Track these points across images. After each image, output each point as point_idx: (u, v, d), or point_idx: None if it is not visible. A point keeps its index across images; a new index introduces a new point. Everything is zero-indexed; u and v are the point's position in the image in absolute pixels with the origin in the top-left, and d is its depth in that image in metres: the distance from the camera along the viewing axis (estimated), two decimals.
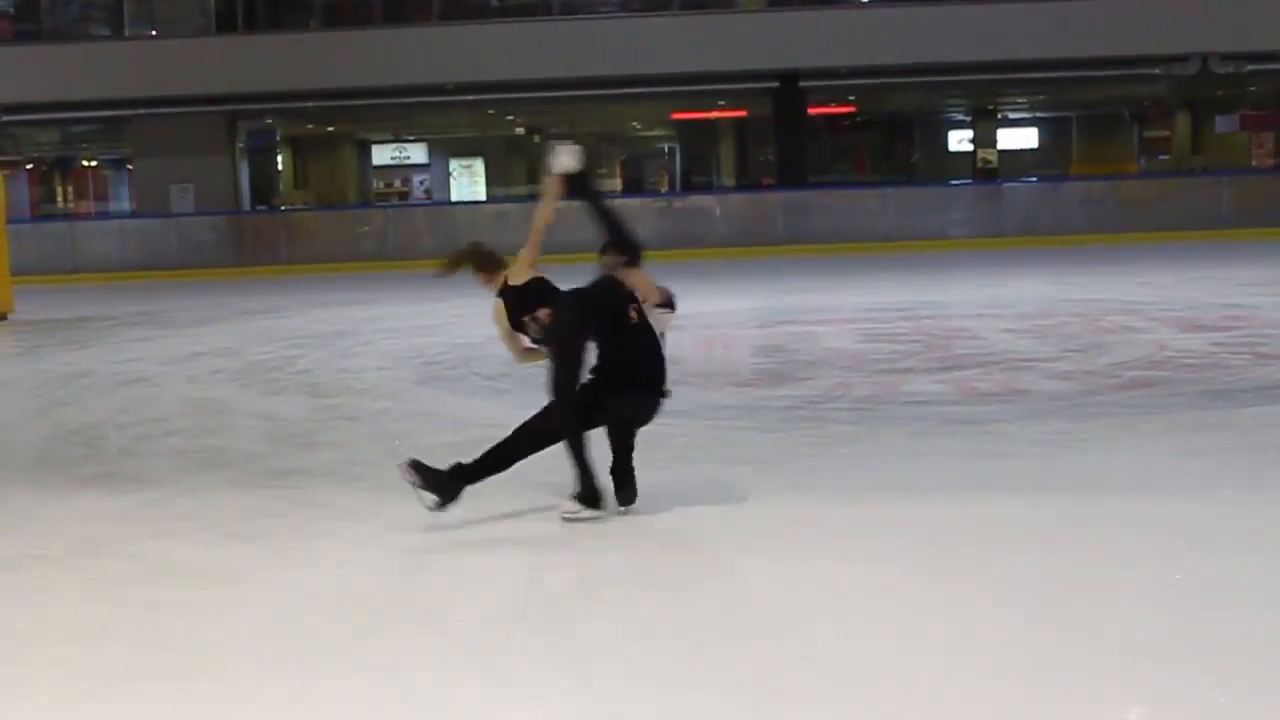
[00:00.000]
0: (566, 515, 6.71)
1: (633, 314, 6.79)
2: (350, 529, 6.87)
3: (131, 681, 4.82)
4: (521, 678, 4.77)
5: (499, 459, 6.80)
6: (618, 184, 38.72)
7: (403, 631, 5.30)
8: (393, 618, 5.48)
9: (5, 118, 30.52)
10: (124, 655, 5.09)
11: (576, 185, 6.88)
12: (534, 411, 6.85)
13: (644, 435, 8.80)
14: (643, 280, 6.81)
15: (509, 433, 6.82)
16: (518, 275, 6.98)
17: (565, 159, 6.87)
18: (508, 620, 5.50)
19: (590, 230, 6.83)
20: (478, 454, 6.75)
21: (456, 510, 6.80)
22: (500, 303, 6.97)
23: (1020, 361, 11.61)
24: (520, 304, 6.91)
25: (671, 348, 13.15)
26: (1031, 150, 38.29)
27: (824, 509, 6.98)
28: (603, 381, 6.80)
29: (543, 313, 6.81)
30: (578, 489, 6.70)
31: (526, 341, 7.04)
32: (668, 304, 6.95)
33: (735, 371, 12.01)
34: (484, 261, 7.10)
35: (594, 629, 5.30)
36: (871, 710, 4.34)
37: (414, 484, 6.64)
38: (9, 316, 19.23)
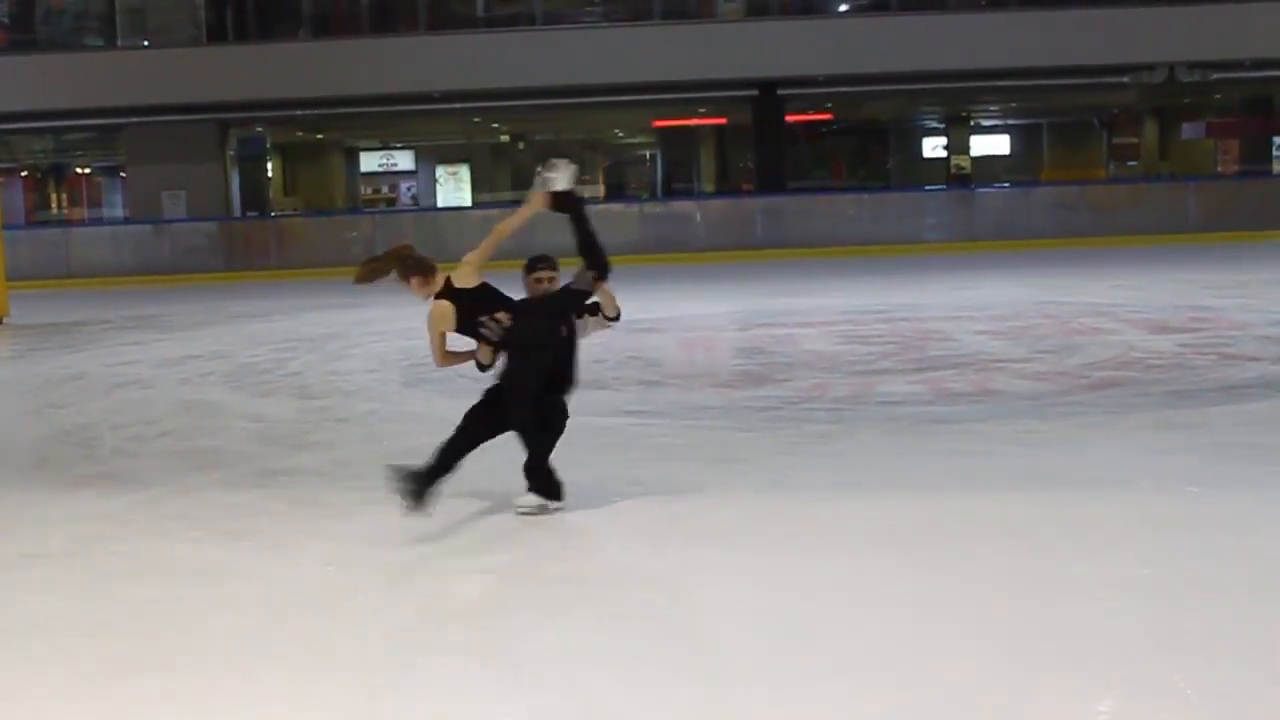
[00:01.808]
0: (521, 510, 6.83)
1: (563, 330, 6.91)
2: (339, 528, 6.86)
3: (126, 677, 4.81)
4: (508, 674, 4.77)
5: (451, 455, 6.77)
6: (600, 190, 38.72)
7: (390, 628, 5.30)
8: (380, 615, 5.48)
9: (0, 126, 30.42)
10: (118, 651, 5.09)
11: (566, 201, 7.00)
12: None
13: (628, 435, 8.83)
14: (608, 295, 7.05)
15: (456, 430, 6.82)
16: (465, 279, 6.86)
17: (559, 178, 6.99)
18: (494, 616, 5.50)
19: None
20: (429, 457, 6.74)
21: (441, 510, 6.82)
22: (446, 304, 6.81)
23: (993, 362, 11.63)
24: (477, 306, 6.83)
25: (653, 350, 13.24)
26: (1004, 156, 38.35)
27: (802, 507, 6.99)
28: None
29: (502, 315, 6.80)
30: (533, 484, 6.82)
31: (458, 345, 6.99)
32: (617, 317, 7.18)
33: (715, 373, 12.01)
34: (419, 265, 6.90)
35: (580, 624, 5.30)
36: (845, 702, 4.35)
37: (405, 491, 6.60)
38: (5, 320, 19.17)
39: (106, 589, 5.93)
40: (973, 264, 23.21)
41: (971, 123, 38.04)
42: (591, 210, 7.30)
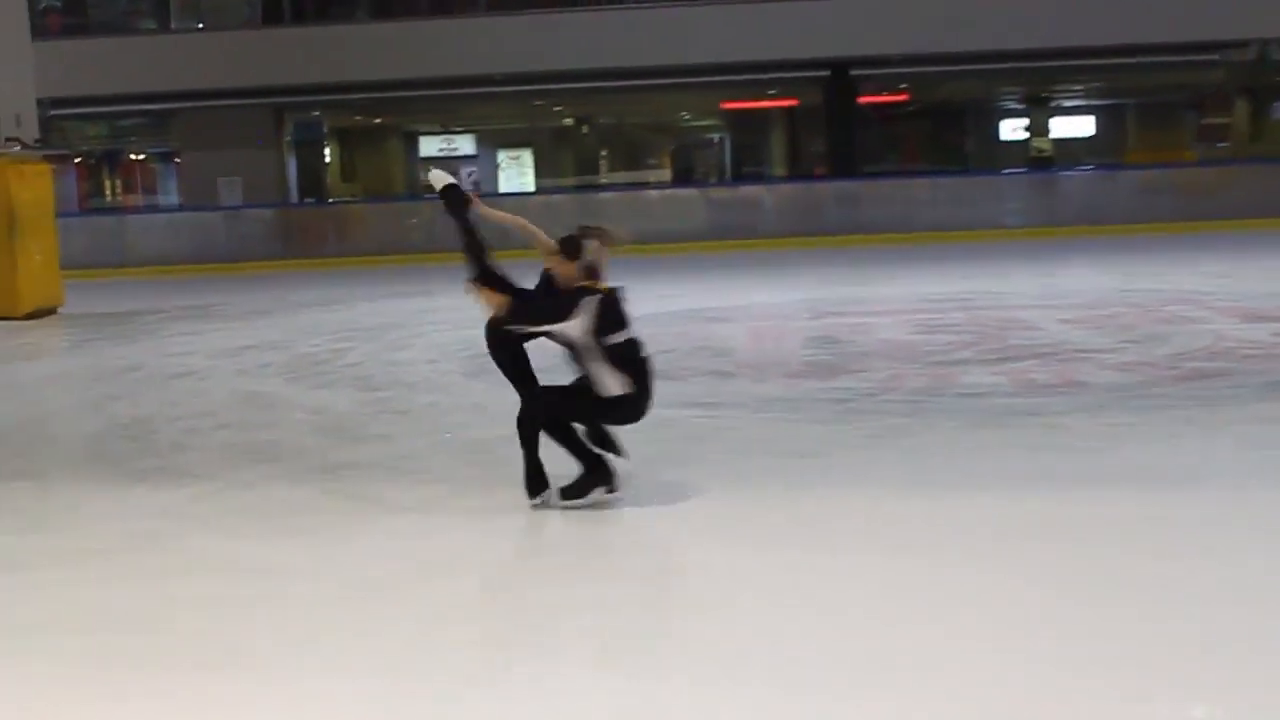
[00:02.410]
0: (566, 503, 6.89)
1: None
2: (400, 523, 6.88)
3: (181, 675, 4.84)
4: (572, 673, 4.77)
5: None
6: (667, 175, 38.68)
7: (451, 627, 5.31)
8: (441, 613, 5.49)
9: (53, 111, 30.74)
10: (173, 649, 5.13)
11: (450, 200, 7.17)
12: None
13: (696, 428, 8.83)
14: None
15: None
16: None
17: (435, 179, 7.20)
18: (558, 615, 5.49)
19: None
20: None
21: (502, 508, 6.87)
22: None
23: (1077, 353, 11.53)
24: None
25: (722, 339, 13.20)
26: (1087, 138, 37.99)
27: (878, 503, 6.94)
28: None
29: None
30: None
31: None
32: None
33: (786, 363, 11.96)
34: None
35: (644, 623, 5.29)
36: (909, 708, 4.32)
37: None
38: (59, 310, 19.39)
39: (162, 585, 5.98)
40: (1055, 250, 23.00)
41: (1053, 104, 37.68)
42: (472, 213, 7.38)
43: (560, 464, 6.89)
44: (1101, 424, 8.63)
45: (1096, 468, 7.51)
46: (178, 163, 33.83)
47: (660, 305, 15.51)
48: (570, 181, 36.61)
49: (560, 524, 6.75)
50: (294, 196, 31.47)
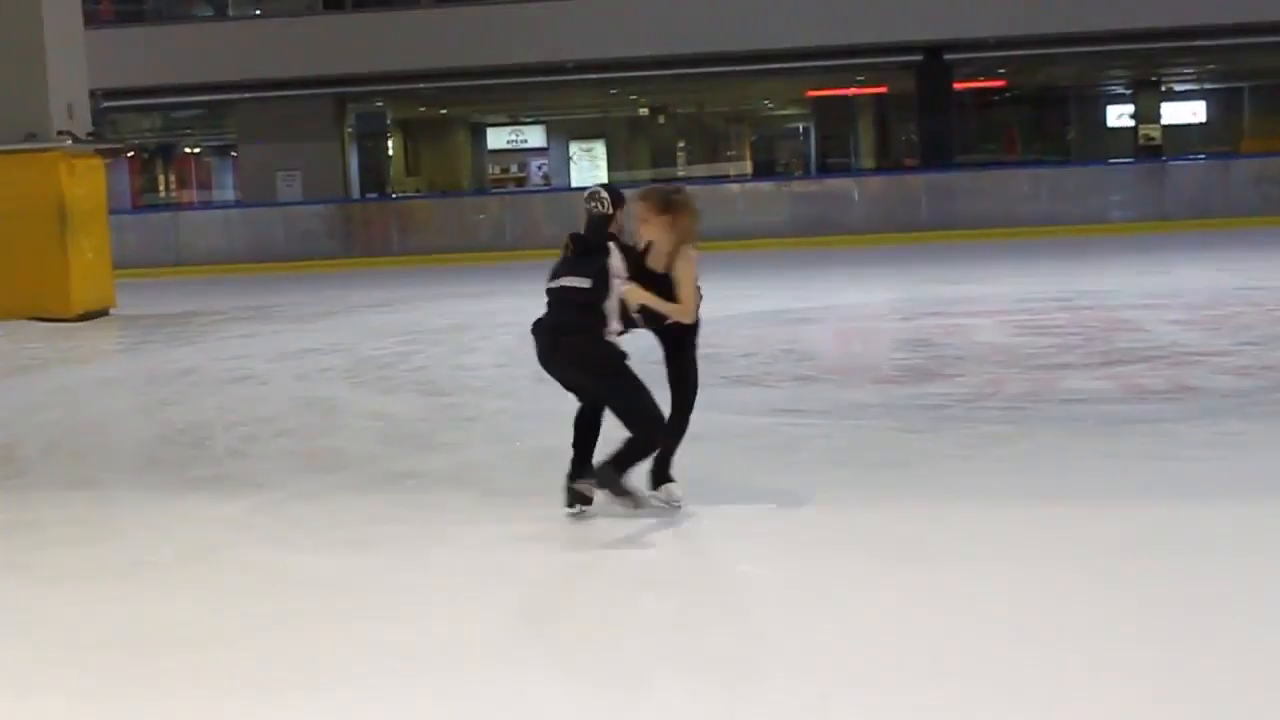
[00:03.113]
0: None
1: None
2: (467, 535, 6.91)
3: (240, 696, 4.88)
4: (650, 692, 4.77)
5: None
6: (748, 167, 38.65)
7: (521, 644, 5.32)
8: (510, 630, 5.51)
9: (106, 103, 31.10)
10: (233, 668, 5.16)
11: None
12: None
13: (782, 436, 8.80)
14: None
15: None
16: None
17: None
18: (635, 632, 5.49)
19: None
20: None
21: (585, 516, 6.88)
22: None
23: (1189, 356, 11.42)
24: None
25: (808, 342, 13.16)
26: (1199, 125, 37.65)
27: (976, 516, 6.90)
28: None
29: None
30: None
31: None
32: None
33: (877, 367, 11.92)
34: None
35: (727, 640, 5.28)
36: None
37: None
38: (111, 311, 19.61)
39: (220, 601, 6.03)
40: (1165, 245, 22.79)
41: (1162, 88, 37.39)
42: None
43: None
44: (1216, 432, 8.54)
45: (1210, 479, 7.43)
46: (234, 156, 34.18)
47: (741, 305, 15.50)
48: (645, 174, 36.64)
49: (641, 536, 6.74)
50: (356, 191, 31.69)
